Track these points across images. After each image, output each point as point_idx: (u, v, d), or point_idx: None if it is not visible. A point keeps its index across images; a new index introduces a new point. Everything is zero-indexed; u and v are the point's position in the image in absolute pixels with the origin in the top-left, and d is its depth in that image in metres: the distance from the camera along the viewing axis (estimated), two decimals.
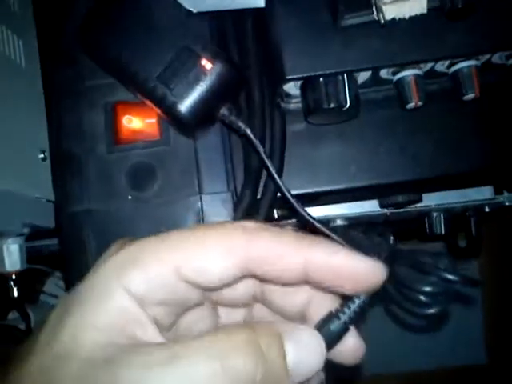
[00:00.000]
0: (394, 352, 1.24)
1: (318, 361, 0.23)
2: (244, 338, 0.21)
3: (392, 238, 0.41)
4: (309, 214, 0.37)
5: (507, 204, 0.59)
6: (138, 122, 0.39)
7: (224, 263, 0.23)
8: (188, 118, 0.36)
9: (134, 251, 0.24)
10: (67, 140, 0.40)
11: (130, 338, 0.22)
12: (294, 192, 0.44)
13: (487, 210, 0.62)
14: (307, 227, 0.38)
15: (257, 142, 0.37)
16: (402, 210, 0.57)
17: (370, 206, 0.58)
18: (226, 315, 0.29)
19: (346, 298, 0.26)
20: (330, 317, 0.25)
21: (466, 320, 1.24)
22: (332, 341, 0.25)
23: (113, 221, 0.38)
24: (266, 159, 0.37)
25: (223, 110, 0.37)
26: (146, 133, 0.39)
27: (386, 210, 0.57)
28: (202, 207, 0.38)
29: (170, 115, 0.37)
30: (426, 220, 0.61)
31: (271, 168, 0.37)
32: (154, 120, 0.39)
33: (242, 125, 0.37)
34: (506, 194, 0.59)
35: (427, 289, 0.25)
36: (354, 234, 0.35)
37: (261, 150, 0.37)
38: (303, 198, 0.47)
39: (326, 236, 0.34)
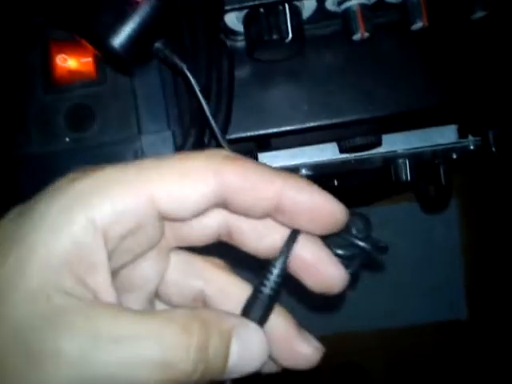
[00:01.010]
0: (374, 309, 1.25)
1: (258, 362, 0.23)
2: (194, 338, 0.20)
3: None
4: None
5: (472, 148, 0.58)
6: (73, 62, 0.37)
7: (201, 189, 0.22)
8: (121, 52, 0.35)
9: (101, 179, 0.21)
10: (2, 81, 0.39)
11: (79, 282, 0.21)
12: (243, 135, 0.43)
13: (455, 156, 0.61)
14: None
15: (192, 80, 0.35)
16: (365, 155, 0.56)
17: (332, 154, 0.57)
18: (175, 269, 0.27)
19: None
20: (255, 295, 0.24)
21: (446, 275, 1.25)
22: (263, 319, 0.24)
23: (51, 164, 0.37)
24: (201, 98, 0.35)
25: (158, 45, 0.36)
26: (83, 72, 0.38)
27: (349, 156, 0.56)
28: (141, 147, 0.37)
29: (103, 51, 0.35)
30: (392, 168, 0.60)
31: (206, 109, 0.35)
32: (89, 59, 0.38)
33: (177, 61, 0.36)
34: (470, 137, 0.58)
35: (339, 252, 0.26)
36: None
37: (196, 88, 0.35)
38: (255, 141, 0.46)
39: None
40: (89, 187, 0.21)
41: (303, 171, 0.60)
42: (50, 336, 0.19)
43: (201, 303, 0.27)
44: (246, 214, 0.24)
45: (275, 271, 0.24)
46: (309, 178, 0.60)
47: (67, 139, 0.38)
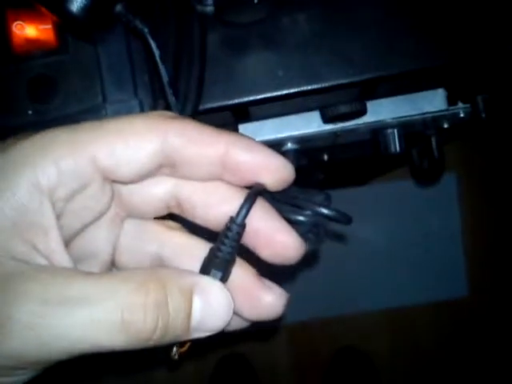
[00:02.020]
0: (373, 290, 1.24)
1: (222, 322, 0.22)
2: (151, 295, 0.20)
3: None
4: None
5: (462, 115, 0.56)
6: (31, 30, 0.36)
7: (144, 148, 0.22)
8: (80, 17, 0.33)
9: (43, 140, 0.21)
10: None
11: (30, 246, 0.20)
12: (216, 105, 0.42)
13: (446, 125, 0.59)
14: None
15: (152, 44, 0.34)
16: (351, 125, 0.55)
17: (318, 126, 0.55)
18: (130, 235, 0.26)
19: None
20: (214, 253, 0.24)
21: (446, 254, 1.23)
22: (224, 275, 0.24)
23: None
24: (159, 65, 0.34)
25: (119, 8, 0.34)
26: (42, 41, 0.36)
27: (335, 127, 0.55)
28: (106, 116, 0.36)
29: (61, 16, 0.34)
30: (380, 139, 0.59)
31: (164, 77, 0.34)
32: (49, 26, 0.36)
33: (139, 24, 0.34)
34: (460, 104, 0.56)
35: (300, 218, 0.25)
36: None
37: (156, 53, 0.34)
38: (230, 111, 0.44)
39: None
40: (31, 148, 0.21)
41: (289, 145, 0.59)
42: (0, 303, 0.19)
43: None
44: (193, 175, 0.24)
45: (234, 227, 0.24)
46: (296, 151, 0.59)
47: (30, 112, 0.36)
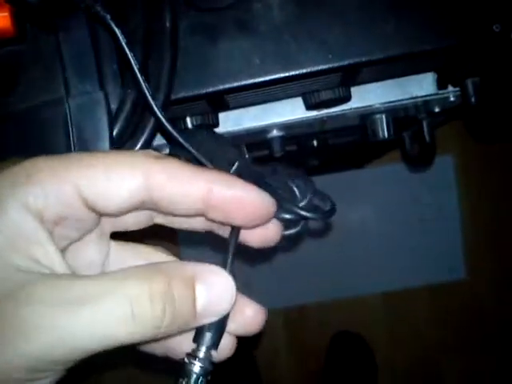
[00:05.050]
0: (370, 273, 1.23)
1: (227, 304, 0.23)
2: (156, 286, 0.21)
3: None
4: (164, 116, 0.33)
5: (453, 99, 0.54)
6: None
7: (128, 185, 0.23)
8: (35, 2, 0.31)
9: (28, 167, 0.22)
10: None
11: (32, 260, 0.21)
12: (190, 94, 0.40)
13: (437, 109, 0.57)
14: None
15: (117, 31, 0.32)
16: (338, 112, 0.53)
17: (302, 112, 0.53)
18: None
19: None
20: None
21: (444, 236, 1.22)
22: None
23: None
24: (128, 53, 0.32)
25: None
26: None
27: (320, 114, 0.53)
28: (69, 110, 0.34)
29: (16, 3, 0.32)
30: (368, 125, 0.57)
31: (134, 64, 0.32)
32: (5, 14, 0.34)
33: (99, 10, 0.32)
34: (450, 88, 0.54)
35: (285, 216, 0.27)
36: (209, 145, 0.33)
37: (122, 40, 0.32)
38: (205, 100, 0.42)
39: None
40: (20, 173, 0.22)
41: (274, 132, 0.57)
42: (12, 311, 0.20)
43: None
44: (176, 212, 0.24)
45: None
46: (282, 138, 0.57)
47: None
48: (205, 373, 0.23)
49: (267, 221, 0.25)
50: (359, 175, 1.21)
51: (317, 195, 0.28)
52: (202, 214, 0.25)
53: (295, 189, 0.28)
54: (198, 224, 0.28)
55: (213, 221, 0.26)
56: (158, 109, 0.31)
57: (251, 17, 0.39)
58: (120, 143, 0.34)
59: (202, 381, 0.23)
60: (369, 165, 1.18)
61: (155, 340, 0.22)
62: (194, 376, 0.23)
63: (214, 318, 0.23)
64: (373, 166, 1.19)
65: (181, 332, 0.23)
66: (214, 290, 0.23)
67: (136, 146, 0.36)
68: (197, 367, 0.23)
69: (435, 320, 1.24)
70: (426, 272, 1.22)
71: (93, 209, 0.23)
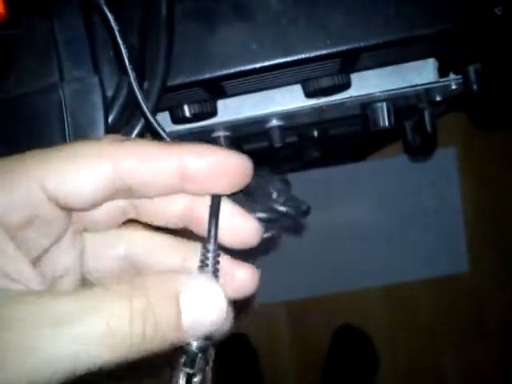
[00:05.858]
0: (371, 266, 1.22)
1: (219, 311, 0.22)
2: (136, 303, 0.20)
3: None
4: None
5: (454, 87, 0.53)
6: None
7: (96, 177, 0.22)
8: None
9: None
10: None
11: (3, 277, 0.20)
12: (186, 80, 0.39)
13: (438, 98, 0.57)
14: None
15: (110, 16, 0.31)
16: (337, 100, 0.52)
17: (302, 101, 0.53)
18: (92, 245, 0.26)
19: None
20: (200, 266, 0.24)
21: (446, 228, 1.21)
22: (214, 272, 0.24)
23: None
24: (118, 40, 0.31)
25: None
26: None
27: (319, 102, 0.52)
28: (64, 95, 0.33)
29: None
30: (369, 113, 0.56)
31: (123, 52, 0.31)
32: None
33: None
34: (452, 76, 0.53)
35: (261, 215, 0.26)
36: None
37: (114, 26, 0.31)
38: (202, 87, 0.42)
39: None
40: None
41: (274, 121, 0.56)
42: None
43: (134, 270, 0.26)
44: (152, 194, 0.23)
45: (211, 244, 0.24)
46: (281, 128, 0.56)
47: None
48: (203, 349, 0.23)
49: (245, 183, 0.24)
50: (361, 168, 1.20)
51: (293, 197, 0.28)
52: (179, 191, 0.24)
53: (273, 190, 0.27)
54: (172, 219, 0.26)
55: (192, 194, 0.25)
56: (143, 100, 0.31)
57: (248, 1, 0.38)
58: (116, 129, 0.34)
59: (200, 357, 0.23)
60: (370, 157, 1.17)
61: (144, 357, 0.21)
62: (192, 353, 0.22)
63: (209, 329, 0.22)
64: (374, 158, 1.18)
65: (171, 347, 0.21)
66: (200, 302, 0.22)
67: (133, 132, 0.36)
68: (194, 344, 0.23)
69: (437, 312, 1.23)
70: (429, 265, 1.21)
71: (61, 206, 0.22)
